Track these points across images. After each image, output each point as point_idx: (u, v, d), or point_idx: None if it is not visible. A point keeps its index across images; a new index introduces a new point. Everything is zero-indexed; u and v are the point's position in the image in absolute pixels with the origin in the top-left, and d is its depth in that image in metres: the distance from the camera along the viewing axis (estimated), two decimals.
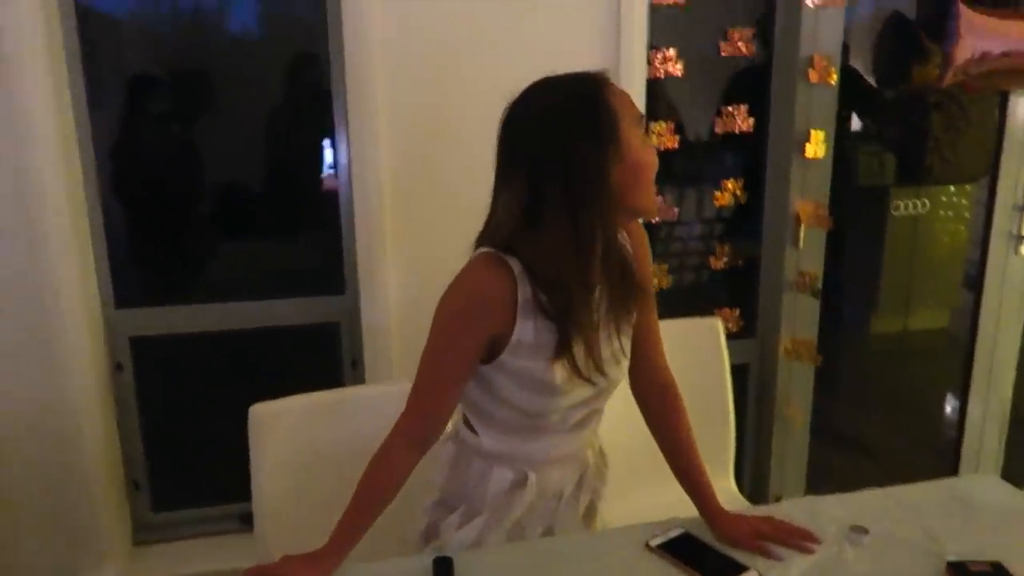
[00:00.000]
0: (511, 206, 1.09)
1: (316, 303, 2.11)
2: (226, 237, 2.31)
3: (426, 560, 1.13)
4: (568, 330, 1.09)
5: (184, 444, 2.24)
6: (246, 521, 1.62)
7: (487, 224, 1.15)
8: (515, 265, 1.09)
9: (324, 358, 2.16)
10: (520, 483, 1.22)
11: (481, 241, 1.15)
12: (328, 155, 2.16)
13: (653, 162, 1.11)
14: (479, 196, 1.75)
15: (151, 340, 2.04)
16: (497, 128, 1.12)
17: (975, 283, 2.50)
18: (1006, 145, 2.34)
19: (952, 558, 1.10)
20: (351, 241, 1.98)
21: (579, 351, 1.11)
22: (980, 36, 1.93)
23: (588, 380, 1.14)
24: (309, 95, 2.15)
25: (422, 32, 1.85)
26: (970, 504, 1.30)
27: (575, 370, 1.11)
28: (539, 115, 1.08)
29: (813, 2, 2.08)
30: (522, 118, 1.10)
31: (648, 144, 1.12)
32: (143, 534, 2.16)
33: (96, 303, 1.95)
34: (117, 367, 2.04)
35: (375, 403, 1.47)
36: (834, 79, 2.13)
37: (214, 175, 2.20)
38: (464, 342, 1.12)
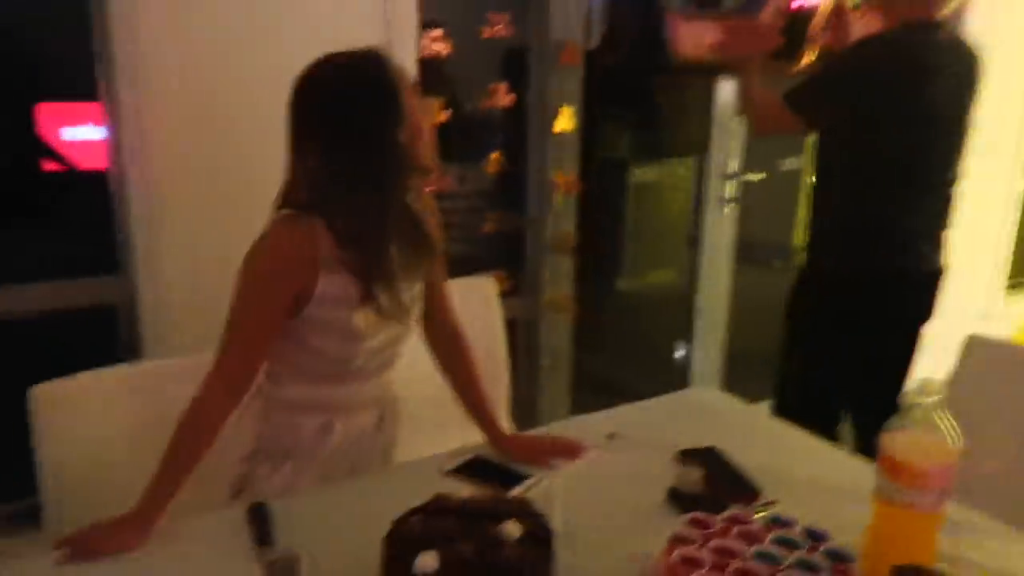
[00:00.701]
0: (307, 170, 1.21)
1: (87, 285, 2.01)
2: None
3: (239, 510, 1.20)
4: (370, 280, 1.22)
5: None
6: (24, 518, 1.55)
7: (285, 188, 1.25)
8: (316, 223, 1.20)
9: (99, 343, 2.07)
10: (327, 428, 1.34)
11: (281, 203, 1.24)
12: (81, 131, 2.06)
13: (429, 126, 1.27)
14: (257, 170, 1.80)
15: None
16: (288, 99, 1.22)
17: (694, 242, 2.96)
18: (715, 123, 2.80)
19: (682, 448, 1.39)
20: (126, 219, 1.92)
21: (383, 297, 1.24)
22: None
23: (396, 319, 1.28)
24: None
25: (191, 14, 1.83)
26: (697, 409, 1.63)
27: (380, 312, 1.24)
28: (327, 86, 1.21)
29: None
30: (311, 89, 1.21)
31: (425, 109, 1.27)
32: None
33: None
34: None
35: (167, 378, 1.49)
36: (580, 62, 2.43)
37: None
38: (269, 299, 1.21)
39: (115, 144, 1.89)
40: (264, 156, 1.89)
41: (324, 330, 1.25)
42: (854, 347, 2.07)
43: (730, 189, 2.91)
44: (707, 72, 2.39)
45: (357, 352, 1.28)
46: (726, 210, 2.95)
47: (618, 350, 3.11)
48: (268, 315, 1.21)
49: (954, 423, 1.04)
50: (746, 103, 2.12)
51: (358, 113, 1.18)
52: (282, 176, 1.24)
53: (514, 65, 2.44)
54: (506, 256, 2.59)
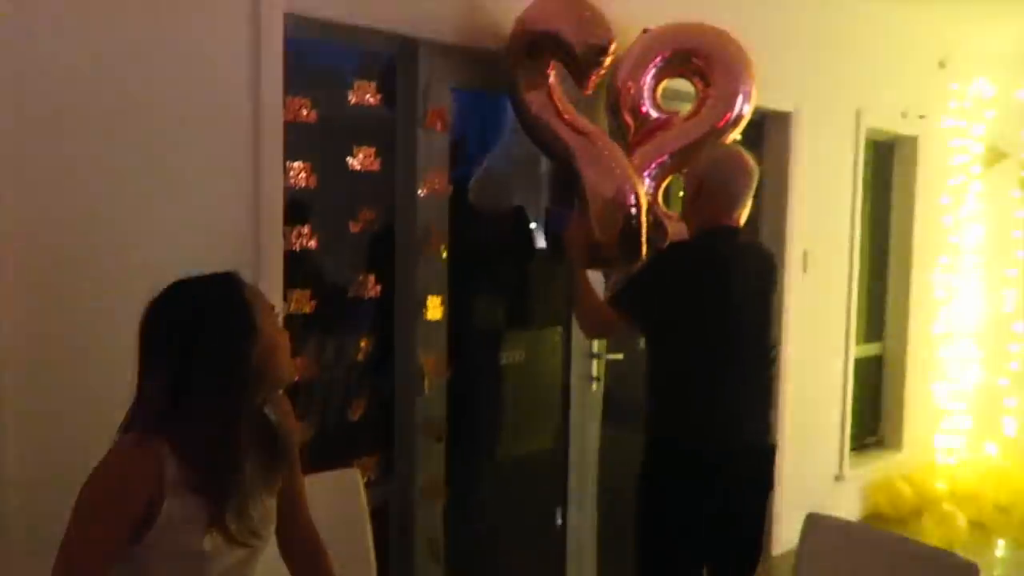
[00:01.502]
0: (157, 391, 1.20)
1: None
2: None
3: None
4: (219, 502, 1.20)
5: None
6: None
7: (133, 408, 1.23)
8: (161, 445, 1.18)
9: None
10: None
11: (127, 424, 1.22)
12: None
13: (285, 343, 1.30)
14: (104, 385, 1.70)
15: None
16: (139, 320, 1.23)
17: (565, 411, 3.05)
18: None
19: None
20: None
21: (231, 520, 1.21)
22: None
23: (244, 544, 1.24)
24: None
25: (51, 209, 1.83)
26: None
27: (229, 538, 1.21)
28: (179, 310, 1.22)
29: (421, 192, 2.50)
30: (166, 314, 1.22)
31: (279, 328, 1.31)
32: None
33: None
34: None
35: None
36: (444, 254, 2.56)
37: None
38: (107, 529, 1.16)
39: None
40: (118, 363, 1.86)
41: (168, 556, 1.20)
42: (701, 521, 2.17)
43: (596, 367, 3.06)
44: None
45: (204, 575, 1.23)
46: (594, 387, 3.07)
47: (494, 527, 3.07)
48: (105, 545, 1.15)
49: None
50: (579, 307, 2.35)
51: (209, 336, 1.20)
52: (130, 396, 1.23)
53: (382, 254, 2.54)
54: (374, 442, 2.57)
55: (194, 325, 1.20)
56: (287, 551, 1.43)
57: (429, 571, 2.62)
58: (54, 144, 1.81)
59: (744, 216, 2.24)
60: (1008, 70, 4.56)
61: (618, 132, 2.70)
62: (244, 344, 1.21)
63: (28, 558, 1.72)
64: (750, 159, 2.23)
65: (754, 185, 2.22)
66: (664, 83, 2.72)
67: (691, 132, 2.60)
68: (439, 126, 2.54)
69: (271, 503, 1.33)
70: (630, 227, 2.33)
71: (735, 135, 2.69)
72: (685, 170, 2.41)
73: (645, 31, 2.72)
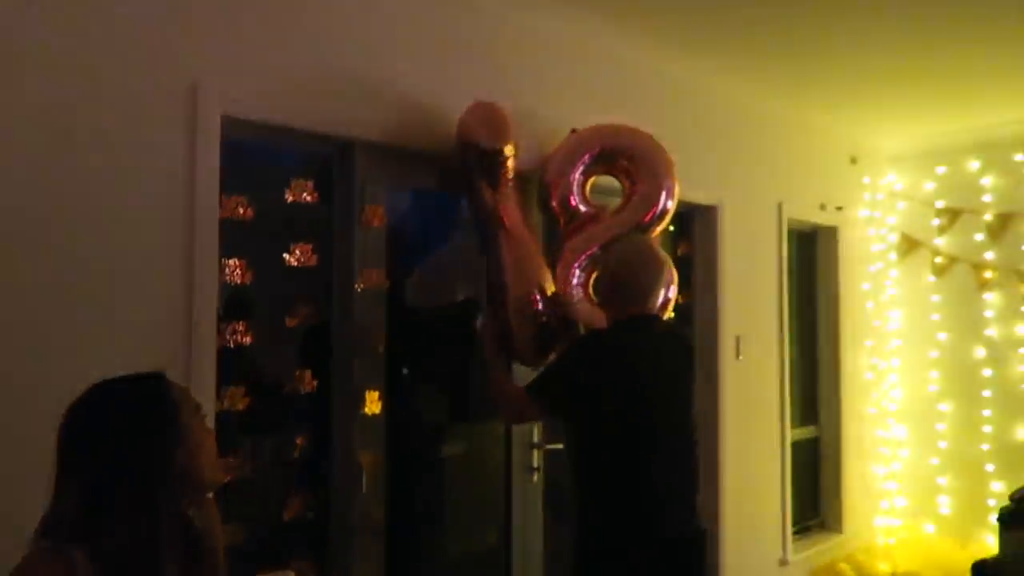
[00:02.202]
0: (74, 498, 1.16)
1: None
2: None
3: None
4: None
5: None
6: None
7: (47, 516, 1.18)
8: (77, 556, 1.13)
9: None
10: None
11: (41, 531, 1.17)
12: None
13: (211, 444, 1.28)
14: (24, 491, 1.64)
15: None
16: (58, 426, 1.20)
17: (505, 506, 3.02)
18: None
19: None
20: None
21: None
22: None
23: None
24: None
25: None
26: None
27: None
28: (101, 413, 1.20)
29: (359, 287, 2.53)
30: (84, 418, 1.20)
31: (206, 428, 1.29)
32: None
33: None
34: None
35: None
36: (381, 348, 2.57)
37: None
38: None
39: None
40: (35, 470, 1.79)
41: None
42: None
43: (536, 458, 3.05)
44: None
45: None
46: (535, 478, 3.06)
47: None
48: None
49: None
50: (496, 394, 2.38)
51: (131, 437, 1.18)
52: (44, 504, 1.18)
53: (318, 349, 2.53)
54: (311, 543, 2.49)
55: (114, 428, 1.18)
56: None
57: None
58: None
59: (657, 303, 2.31)
60: (915, 165, 4.89)
61: (549, 225, 2.81)
62: (167, 446, 1.19)
63: None
64: (656, 250, 2.33)
65: (664, 274, 2.31)
66: (593, 179, 2.85)
67: (619, 225, 2.71)
68: (375, 223, 2.59)
69: None
70: (543, 325, 2.47)
71: (661, 228, 2.81)
72: (600, 263, 2.48)
73: (573, 131, 2.87)
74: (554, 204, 2.77)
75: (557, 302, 2.55)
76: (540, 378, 2.27)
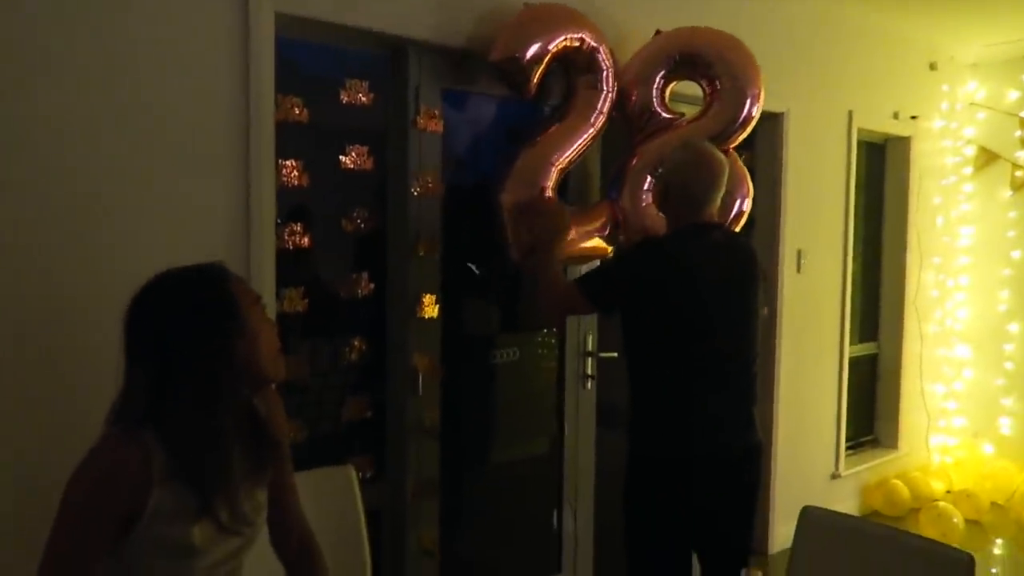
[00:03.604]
0: (142, 384, 1.18)
1: None
2: None
3: None
4: (208, 494, 1.19)
5: None
6: None
7: (118, 400, 1.22)
8: (148, 437, 1.17)
9: None
10: None
11: (113, 417, 1.21)
12: None
13: (271, 336, 1.29)
14: (94, 378, 1.71)
15: None
16: (124, 314, 1.22)
17: (558, 414, 3.05)
18: None
19: None
20: None
21: (222, 509, 1.20)
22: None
23: (236, 533, 1.23)
24: None
25: (46, 201, 1.83)
26: None
27: (220, 527, 1.20)
28: (164, 301, 1.21)
29: (415, 190, 2.50)
30: (149, 306, 1.21)
31: (266, 320, 1.30)
32: None
33: None
34: None
35: None
36: (437, 254, 2.56)
37: None
38: (95, 523, 1.15)
39: None
40: (104, 360, 1.85)
41: (156, 549, 1.18)
42: (688, 526, 2.15)
43: (590, 366, 3.05)
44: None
45: (192, 570, 1.22)
46: (588, 385, 3.07)
47: (488, 528, 3.06)
48: (93, 542, 1.14)
49: None
50: (543, 287, 2.25)
51: (194, 330, 1.19)
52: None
53: (375, 253, 2.54)
54: (368, 442, 2.56)
55: (178, 315, 1.19)
56: (280, 546, 1.42)
57: (422, 571, 2.60)
58: (41, 144, 1.81)
59: (715, 211, 2.22)
60: (998, 73, 4.59)
61: (624, 131, 2.72)
62: (227, 336, 1.20)
63: (11, 560, 1.71)
64: (717, 156, 2.21)
65: (723, 182, 2.20)
66: (673, 85, 2.74)
67: (696, 133, 2.61)
68: (431, 126, 2.54)
69: (262, 496, 1.32)
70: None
71: (742, 137, 2.71)
72: (657, 170, 2.38)
73: (658, 32, 2.74)
74: (632, 109, 2.68)
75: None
76: (594, 273, 2.25)
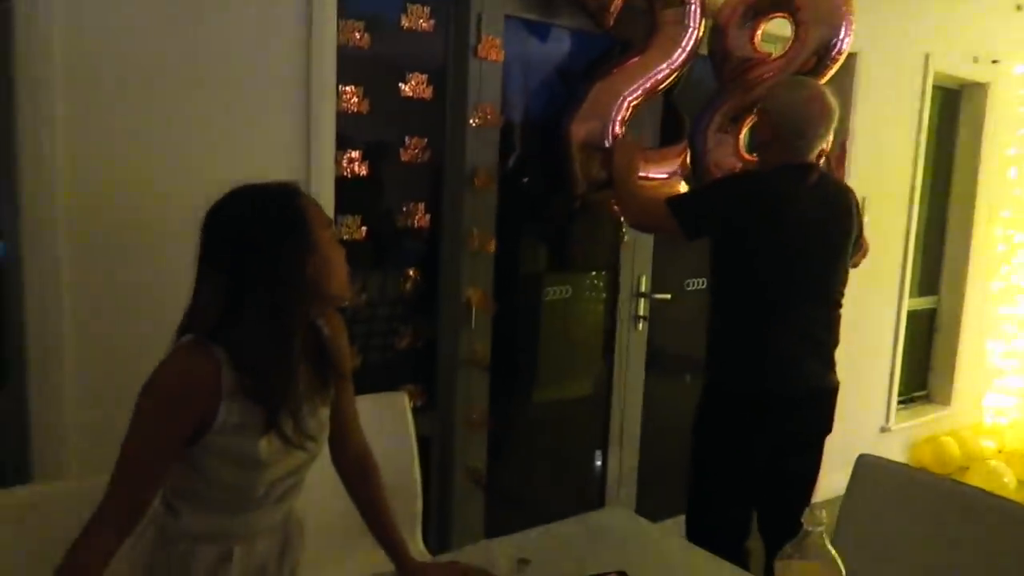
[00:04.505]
0: (214, 297, 1.20)
1: None
2: None
3: None
4: (274, 408, 1.21)
5: None
6: None
7: (189, 313, 1.24)
8: (218, 351, 1.19)
9: None
10: (225, 558, 1.28)
11: (184, 329, 1.23)
12: None
13: (340, 259, 1.29)
14: (167, 287, 1.78)
15: None
16: (200, 223, 1.23)
17: (608, 356, 3.04)
18: (623, 246, 2.94)
19: (591, 573, 1.39)
20: (18, 327, 1.84)
21: (287, 424, 1.23)
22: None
23: (300, 447, 1.26)
24: None
25: (112, 117, 1.85)
26: (607, 532, 1.64)
27: (286, 442, 1.22)
28: (241, 217, 1.22)
29: (474, 121, 2.47)
30: (224, 219, 1.22)
31: (335, 244, 1.30)
32: None
33: None
34: None
35: (57, 503, 1.42)
36: (493, 185, 2.53)
37: None
38: (166, 430, 1.18)
39: (11, 243, 1.82)
40: (174, 272, 1.89)
41: (224, 459, 1.22)
42: (756, 463, 2.14)
43: (642, 307, 3.03)
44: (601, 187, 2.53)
45: (258, 481, 1.25)
46: (640, 326, 3.05)
47: (533, 464, 3.10)
48: (164, 447, 1.18)
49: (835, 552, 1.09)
50: (629, 196, 2.29)
51: (266, 244, 1.19)
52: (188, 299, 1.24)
53: (432, 185, 2.52)
54: (420, 371, 2.59)
55: (252, 227, 1.19)
56: (341, 465, 1.45)
57: (470, 499, 2.66)
58: (118, 78, 1.82)
59: (815, 152, 2.13)
60: None
61: (720, 68, 2.65)
62: (299, 251, 1.20)
63: (85, 467, 1.79)
64: (829, 95, 2.11)
65: (832, 122, 2.10)
66: (763, 25, 2.65)
67: (784, 69, 2.54)
68: (492, 55, 2.49)
69: (324, 414, 1.35)
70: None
71: (831, 72, 2.61)
72: (761, 107, 2.24)
73: None
74: (720, 47, 2.61)
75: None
76: (687, 197, 2.23)
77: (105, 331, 1.87)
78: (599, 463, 3.11)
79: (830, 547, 1.09)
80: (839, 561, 1.08)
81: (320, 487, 1.45)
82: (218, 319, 1.19)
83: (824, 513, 1.10)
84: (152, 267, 1.89)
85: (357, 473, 1.45)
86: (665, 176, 2.59)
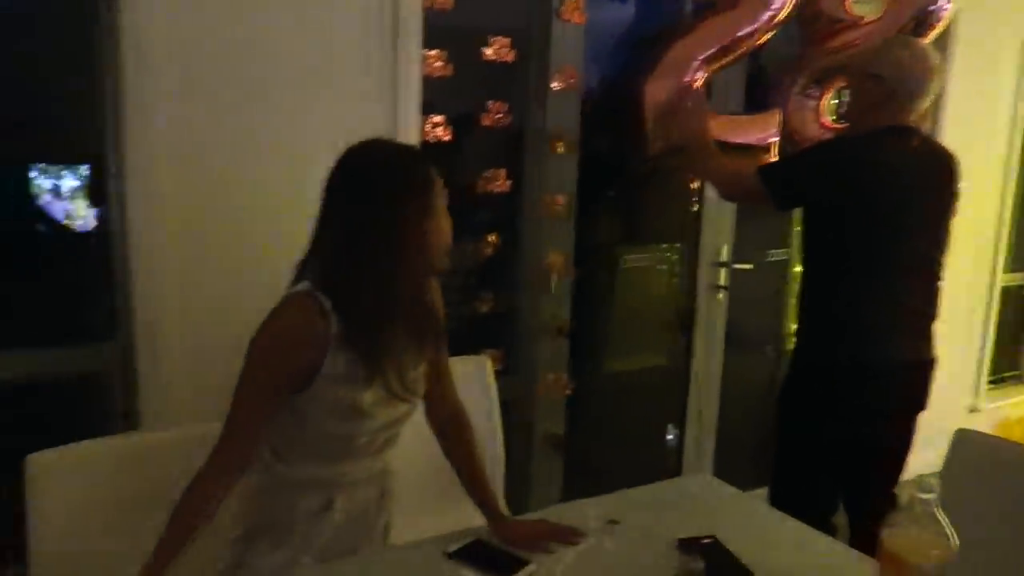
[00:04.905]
0: (333, 247, 1.23)
1: (80, 352, 1.99)
2: None
3: None
4: (378, 360, 1.23)
5: None
6: None
7: (306, 259, 1.27)
8: (327, 302, 1.22)
9: (88, 413, 2.03)
10: (327, 506, 1.32)
11: (299, 275, 1.26)
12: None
13: (448, 228, 1.31)
14: (263, 243, 1.85)
15: None
16: (328, 173, 1.25)
17: (687, 326, 3.00)
18: (704, 215, 2.89)
19: (681, 536, 1.38)
20: (124, 283, 1.91)
21: (392, 376, 1.25)
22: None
23: (402, 399, 1.28)
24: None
25: (208, 84, 1.90)
26: (693, 496, 1.63)
27: (389, 393, 1.25)
28: (370, 170, 1.24)
29: (555, 84, 2.44)
30: (352, 169, 1.24)
31: (447, 213, 1.31)
32: None
33: None
34: None
35: (164, 449, 1.48)
36: (574, 151, 2.51)
37: None
38: (274, 377, 1.22)
39: (118, 205, 1.89)
40: (270, 229, 1.94)
41: (329, 407, 1.25)
42: (845, 437, 2.09)
43: (722, 277, 2.97)
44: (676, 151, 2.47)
45: (360, 431, 1.28)
46: (719, 296, 3.00)
47: (609, 433, 3.10)
48: (272, 390, 1.22)
49: (947, 521, 1.05)
50: (710, 175, 2.26)
51: (393, 200, 1.21)
52: (288, 250, 1.26)
53: (512, 151, 2.51)
54: (499, 336, 2.60)
55: (383, 182, 1.21)
56: (434, 418, 1.48)
57: (549, 462, 2.68)
58: (221, 52, 1.87)
59: (916, 113, 2.04)
60: None
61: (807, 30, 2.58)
62: (420, 216, 1.22)
63: (187, 416, 1.87)
64: (934, 57, 2.01)
65: (937, 84, 2.01)
66: None
67: (878, 33, 2.46)
68: (575, 18, 2.45)
69: (422, 370, 1.37)
70: None
71: (932, 35, 2.51)
72: (868, 69, 2.08)
73: None
74: (810, 10, 2.51)
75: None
76: (779, 165, 2.18)
77: (206, 290, 1.93)
78: (675, 433, 3.08)
79: (942, 516, 1.05)
80: (952, 533, 1.04)
81: (411, 443, 1.48)
82: (331, 268, 1.22)
83: (936, 481, 1.06)
84: (246, 218, 1.93)
85: (452, 430, 1.47)
86: (755, 142, 2.52)
